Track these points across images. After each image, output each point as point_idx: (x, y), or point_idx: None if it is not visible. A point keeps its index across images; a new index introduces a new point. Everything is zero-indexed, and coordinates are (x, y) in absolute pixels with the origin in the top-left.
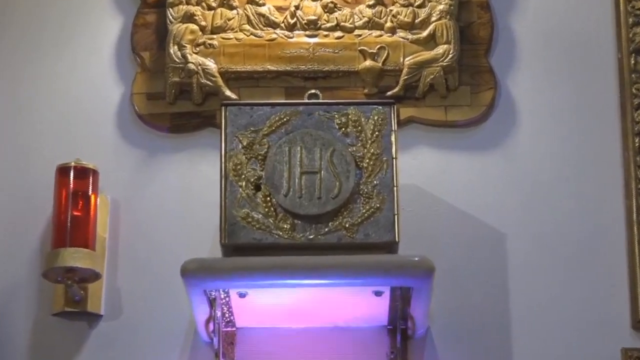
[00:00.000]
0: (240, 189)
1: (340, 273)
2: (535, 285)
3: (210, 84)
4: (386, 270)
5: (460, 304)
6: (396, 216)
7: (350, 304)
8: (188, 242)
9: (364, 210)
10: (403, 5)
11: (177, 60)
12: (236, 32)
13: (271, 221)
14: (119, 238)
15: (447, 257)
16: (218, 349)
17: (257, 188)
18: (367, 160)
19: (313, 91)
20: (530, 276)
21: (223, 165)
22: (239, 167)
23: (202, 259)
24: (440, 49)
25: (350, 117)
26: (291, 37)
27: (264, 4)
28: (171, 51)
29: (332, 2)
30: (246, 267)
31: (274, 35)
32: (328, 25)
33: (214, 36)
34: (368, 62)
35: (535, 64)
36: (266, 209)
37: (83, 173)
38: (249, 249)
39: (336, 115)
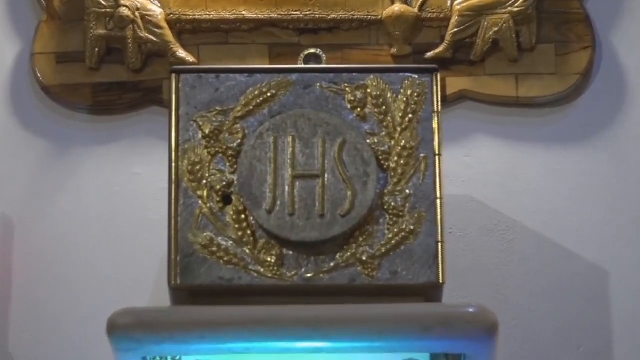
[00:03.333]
0: (200, 202)
1: (355, 332)
2: None
3: (154, 39)
4: (425, 328)
5: None
6: (440, 244)
7: None
8: (119, 284)
9: (390, 235)
10: None
11: (102, 2)
12: None
13: (247, 251)
14: (11, 276)
15: (517, 308)
16: None
17: (227, 200)
18: (396, 158)
19: (312, 51)
20: None
21: (174, 164)
22: (197, 167)
23: (140, 310)
24: None
25: (369, 91)
26: None
27: None
28: None
29: None
30: (209, 321)
31: None
32: None
33: None
34: (397, 7)
35: None
36: (240, 233)
37: None
38: (212, 294)
39: (348, 89)
